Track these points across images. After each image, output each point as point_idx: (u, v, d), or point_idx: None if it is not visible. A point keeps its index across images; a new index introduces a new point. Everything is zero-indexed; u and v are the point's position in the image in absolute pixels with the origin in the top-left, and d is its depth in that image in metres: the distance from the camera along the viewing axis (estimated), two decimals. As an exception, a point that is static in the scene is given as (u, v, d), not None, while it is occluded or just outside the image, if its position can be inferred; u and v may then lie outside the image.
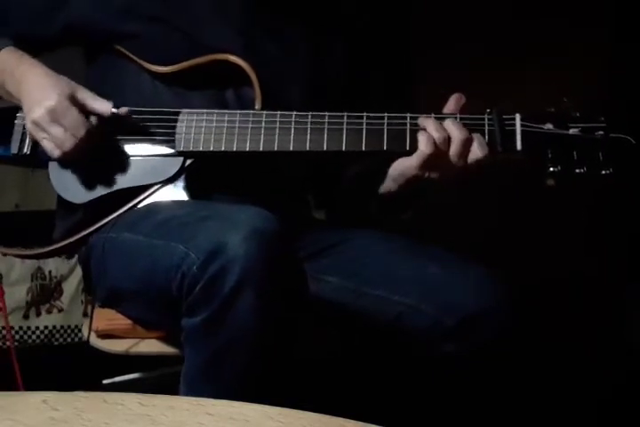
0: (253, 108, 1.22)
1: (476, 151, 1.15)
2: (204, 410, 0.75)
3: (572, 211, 2.32)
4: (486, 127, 1.16)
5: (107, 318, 1.37)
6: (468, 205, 2.20)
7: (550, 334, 2.04)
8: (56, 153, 1.20)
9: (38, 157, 1.27)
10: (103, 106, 1.21)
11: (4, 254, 1.35)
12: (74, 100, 1.20)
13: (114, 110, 1.21)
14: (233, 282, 0.99)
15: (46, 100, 1.18)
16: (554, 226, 2.35)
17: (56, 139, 1.18)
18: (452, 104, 1.20)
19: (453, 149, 1.14)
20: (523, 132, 1.15)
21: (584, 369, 2.20)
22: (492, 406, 1.24)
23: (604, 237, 2.40)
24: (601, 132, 1.14)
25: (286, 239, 1.05)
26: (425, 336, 1.19)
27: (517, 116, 1.16)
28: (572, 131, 1.15)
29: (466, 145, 1.14)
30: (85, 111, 1.21)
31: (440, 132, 1.14)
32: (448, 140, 1.14)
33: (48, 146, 1.20)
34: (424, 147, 1.15)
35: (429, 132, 1.15)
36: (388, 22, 2.13)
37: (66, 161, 1.23)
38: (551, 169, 1.15)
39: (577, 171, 1.14)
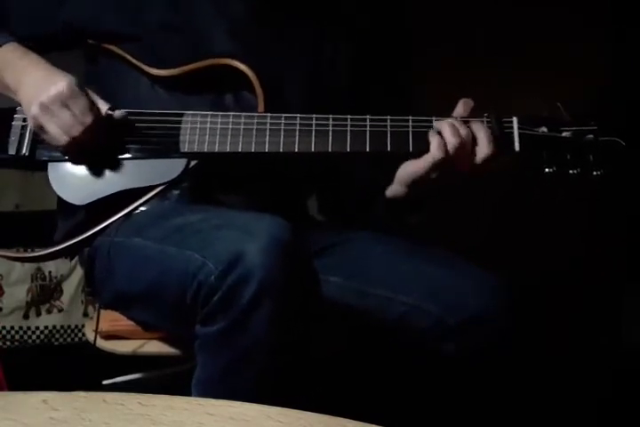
0: (254, 112, 1.22)
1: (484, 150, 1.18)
2: (203, 410, 0.75)
3: (571, 211, 2.33)
4: None
5: (110, 318, 1.37)
6: (468, 205, 2.20)
7: (550, 334, 2.04)
8: (63, 140, 1.17)
9: (37, 158, 1.24)
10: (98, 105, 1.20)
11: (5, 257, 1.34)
12: (83, 89, 1.18)
13: (109, 112, 1.20)
14: (252, 293, 0.98)
15: (56, 85, 1.16)
16: (553, 226, 2.35)
17: (64, 124, 1.16)
18: (460, 108, 1.22)
19: (479, 150, 1.17)
20: (520, 134, 1.19)
21: (583, 369, 2.20)
22: (492, 406, 1.24)
23: (604, 236, 2.40)
24: (591, 136, 1.19)
25: (303, 248, 1.05)
26: (427, 336, 1.19)
27: (515, 120, 1.20)
28: (564, 134, 1.20)
29: (490, 145, 1.17)
30: None
31: (455, 137, 1.16)
32: (461, 145, 1.16)
33: (55, 132, 1.16)
34: (435, 150, 1.17)
35: (445, 136, 1.17)
36: (388, 22, 2.13)
37: (70, 153, 1.20)
38: (547, 170, 1.19)
39: (570, 171, 1.19)
